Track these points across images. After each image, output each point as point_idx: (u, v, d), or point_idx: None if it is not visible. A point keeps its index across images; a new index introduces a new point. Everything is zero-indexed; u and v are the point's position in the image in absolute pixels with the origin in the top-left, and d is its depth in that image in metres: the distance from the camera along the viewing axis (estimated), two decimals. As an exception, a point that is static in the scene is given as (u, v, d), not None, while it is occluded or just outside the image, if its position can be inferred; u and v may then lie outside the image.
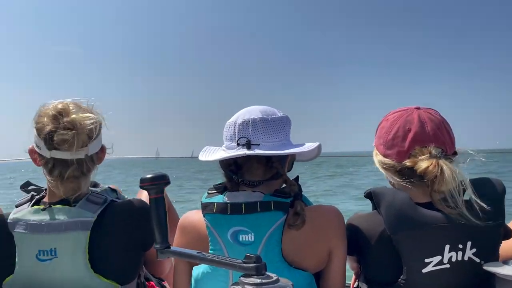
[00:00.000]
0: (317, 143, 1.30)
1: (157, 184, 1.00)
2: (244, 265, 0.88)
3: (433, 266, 1.17)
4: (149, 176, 1.00)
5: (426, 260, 1.17)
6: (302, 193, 1.28)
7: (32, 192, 1.31)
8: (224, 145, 1.31)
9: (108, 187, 1.40)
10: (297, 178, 1.32)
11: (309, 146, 1.30)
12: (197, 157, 1.35)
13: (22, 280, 1.19)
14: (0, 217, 1.23)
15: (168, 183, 1.02)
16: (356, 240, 1.29)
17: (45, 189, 1.32)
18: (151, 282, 1.43)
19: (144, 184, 1.00)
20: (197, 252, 1.00)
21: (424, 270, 1.17)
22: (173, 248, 1.00)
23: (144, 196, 1.65)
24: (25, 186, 1.36)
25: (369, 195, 1.30)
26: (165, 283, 1.54)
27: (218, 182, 1.32)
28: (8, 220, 1.20)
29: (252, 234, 1.17)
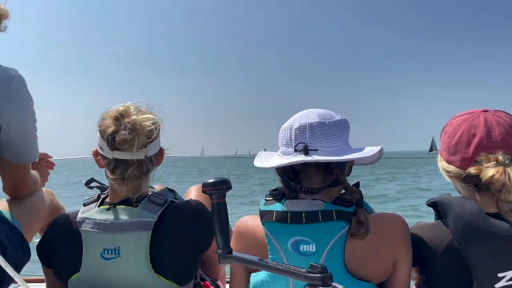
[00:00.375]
0: (379, 147, 1.25)
1: (219, 189, 1.00)
2: (309, 274, 0.85)
3: (506, 281, 1.10)
4: (211, 181, 1.01)
5: (499, 275, 1.10)
6: (363, 199, 1.24)
7: (99, 192, 1.36)
8: (279, 151, 1.28)
9: (166, 187, 1.42)
10: (357, 184, 1.27)
11: (370, 150, 1.25)
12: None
13: (88, 277, 1.23)
14: (68, 217, 1.28)
15: (229, 188, 1.02)
16: (419, 251, 1.23)
17: (108, 188, 1.37)
18: (206, 282, 1.44)
19: (206, 189, 1.01)
20: (258, 259, 0.99)
21: (497, 285, 1.10)
22: (235, 253, 1.00)
23: (192, 195, 1.68)
24: (89, 183, 1.42)
25: (433, 204, 1.24)
26: (219, 283, 1.55)
27: (275, 188, 1.30)
28: (77, 219, 1.25)
29: (314, 244, 1.14)
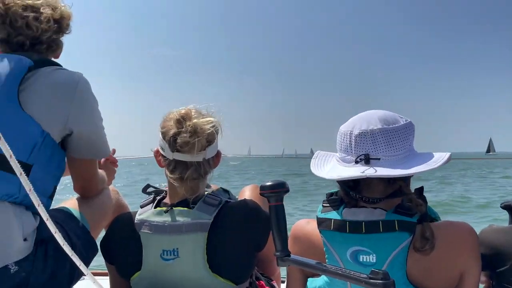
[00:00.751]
0: (447, 154, 1.16)
1: (277, 192, 1.01)
2: (371, 280, 0.84)
3: None
4: (268, 184, 1.01)
5: None
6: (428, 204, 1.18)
7: (154, 194, 1.40)
8: (338, 155, 1.23)
9: (221, 188, 1.44)
10: (421, 190, 1.20)
11: (438, 159, 1.15)
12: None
13: (148, 277, 1.28)
14: (129, 217, 1.33)
15: (287, 191, 1.02)
16: (492, 255, 1.17)
17: (165, 191, 1.41)
18: (261, 281, 1.45)
19: (265, 191, 1.01)
20: (317, 263, 0.98)
21: None
22: (293, 256, 1.00)
23: (246, 195, 1.69)
24: (145, 189, 1.46)
25: (508, 207, 1.17)
26: (274, 283, 1.55)
27: (332, 191, 1.27)
28: (135, 221, 1.29)
29: (374, 255, 1.10)
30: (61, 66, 1.39)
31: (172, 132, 1.28)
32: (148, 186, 1.44)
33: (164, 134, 1.31)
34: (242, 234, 1.30)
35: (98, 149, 1.43)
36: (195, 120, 1.28)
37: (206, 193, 1.35)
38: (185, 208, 1.28)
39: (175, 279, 1.25)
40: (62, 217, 1.35)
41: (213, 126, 1.30)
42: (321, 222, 1.18)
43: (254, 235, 1.32)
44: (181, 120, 1.28)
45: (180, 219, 1.25)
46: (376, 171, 1.11)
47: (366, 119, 1.19)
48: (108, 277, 1.46)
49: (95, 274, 1.97)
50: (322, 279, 1.19)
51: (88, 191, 1.48)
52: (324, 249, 1.17)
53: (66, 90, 1.30)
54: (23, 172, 0.80)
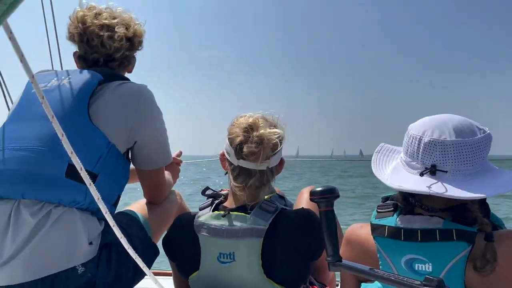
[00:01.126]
0: None
1: (327, 197, 1.02)
2: (425, 287, 0.83)
3: None
4: (319, 189, 1.03)
5: None
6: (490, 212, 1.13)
7: (212, 198, 1.44)
8: (403, 157, 1.18)
9: (276, 193, 1.47)
10: (484, 204, 1.13)
11: None
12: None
13: (206, 277, 1.33)
14: (190, 218, 1.38)
15: (337, 196, 1.03)
16: None
17: (223, 195, 1.45)
18: (315, 286, 1.46)
19: (315, 197, 1.03)
20: (369, 268, 0.98)
21: None
22: (345, 261, 1.01)
23: (305, 197, 1.68)
24: (204, 192, 1.52)
25: None
26: None
27: (388, 194, 1.25)
28: (194, 223, 1.34)
29: (430, 264, 1.06)
30: (129, 80, 1.48)
31: (238, 139, 1.31)
32: (207, 188, 1.49)
33: (231, 140, 1.35)
34: (297, 243, 1.31)
35: (161, 158, 1.50)
36: (262, 131, 1.31)
37: (263, 200, 1.36)
38: (242, 214, 1.30)
39: (231, 281, 1.29)
40: (125, 220, 1.43)
41: (279, 137, 1.33)
42: (375, 229, 1.16)
43: (308, 245, 1.32)
44: (249, 130, 1.31)
45: (237, 224, 1.28)
46: (446, 190, 1.04)
47: (439, 126, 1.11)
48: (168, 277, 1.53)
49: (156, 274, 2.08)
50: (376, 285, 1.19)
51: (157, 198, 1.57)
52: (378, 255, 1.16)
53: (130, 102, 1.38)
54: (92, 183, 0.87)
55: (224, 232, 1.28)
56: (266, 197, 1.41)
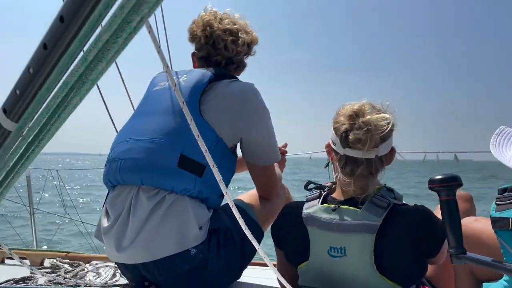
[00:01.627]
0: None
1: (447, 185, 0.97)
2: None
3: None
4: (438, 177, 0.99)
5: None
6: None
7: (320, 190, 1.42)
8: None
9: (384, 186, 1.38)
10: None
11: None
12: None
13: (315, 269, 1.32)
14: (298, 209, 1.37)
15: (460, 184, 0.98)
16: None
17: (327, 187, 1.44)
18: (425, 286, 1.39)
19: (434, 185, 0.99)
20: (496, 261, 0.92)
21: None
22: (469, 254, 0.95)
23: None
24: (307, 186, 1.52)
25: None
26: None
27: (505, 186, 1.16)
28: (303, 215, 1.34)
29: None
30: (237, 78, 1.56)
31: (344, 127, 1.28)
32: (309, 182, 1.49)
33: (336, 129, 1.32)
34: (413, 241, 1.24)
35: (269, 156, 1.53)
36: (368, 117, 1.26)
37: (374, 193, 1.31)
38: (353, 208, 1.27)
39: (342, 275, 1.27)
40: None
41: (388, 123, 1.27)
42: (496, 222, 1.09)
43: (426, 244, 1.24)
44: (354, 117, 1.27)
45: (347, 218, 1.25)
46: None
47: None
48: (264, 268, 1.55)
49: (255, 264, 2.14)
50: (501, 284, 1.10)
51: (269, 194, 1.60)
52: (502, 251, 1.08)
53: (237, 99, 1.44)
54: (215, 165, 0.92)
55: (334, 226, 1.26)
56: (376, 187, 1.35)
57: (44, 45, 0.55)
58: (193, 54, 1.65)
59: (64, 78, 0.55)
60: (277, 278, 1.56)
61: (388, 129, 1.26)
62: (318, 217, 1.30)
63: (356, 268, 1.24)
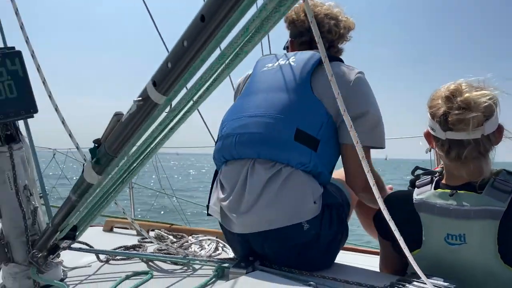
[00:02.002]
0: None
1: None
2: None
3: None
4: None
5: None
6: None
7: (432, 176, 1.35)
8: None
9: (504, 170, 1.27)
10: None
11: None
12: None
13: (430, 257, 1.26)
14: (406, 196, 1.32)
15: None
16: None
17: (438, 172, 1.36)
18: None
19: None
20: None
21: None
22: None
23: None
24: (413, 172, 1.44)
25: None
26: None
27: None
28: (414, 201, 1.28)
29: None
30: (343, 62, 1.57)
31: (442, 110, 1.21)
32: (416, 168, 1.43)
33: (433, 114, 1.26)
34: None
35: (371, 138, 1.44)
36: (467, 95, 1.19)
37: (493, 177, 1.22)
38: (472, 192, 1.20)
39: (460, 264, 1.20)
40: (334, 189, 1.49)
41: (490, 99, 1.18)
42: None
43: None
44: (451, 97, 1.20)
45: (467, 203, 1.18)
46: None
47: None
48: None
49: (347, 249, 2.10)
50: None
51: (353, 184, 1.50)
52: None
53: (345, 79, 1.45)
54: (352, 126, 0.80)
55: (453, 212, 1.19)
56: (494, 171, 1.25)
57: (201, 17, 0.56)
58: (291, 41, 1.70)
59: (221, 49, 0.56)
60: (379, 265, 1.53)
61: (490, 105, 1.17)
62: (433, 203, 1.23)
63: (478, 257, 1.17)
